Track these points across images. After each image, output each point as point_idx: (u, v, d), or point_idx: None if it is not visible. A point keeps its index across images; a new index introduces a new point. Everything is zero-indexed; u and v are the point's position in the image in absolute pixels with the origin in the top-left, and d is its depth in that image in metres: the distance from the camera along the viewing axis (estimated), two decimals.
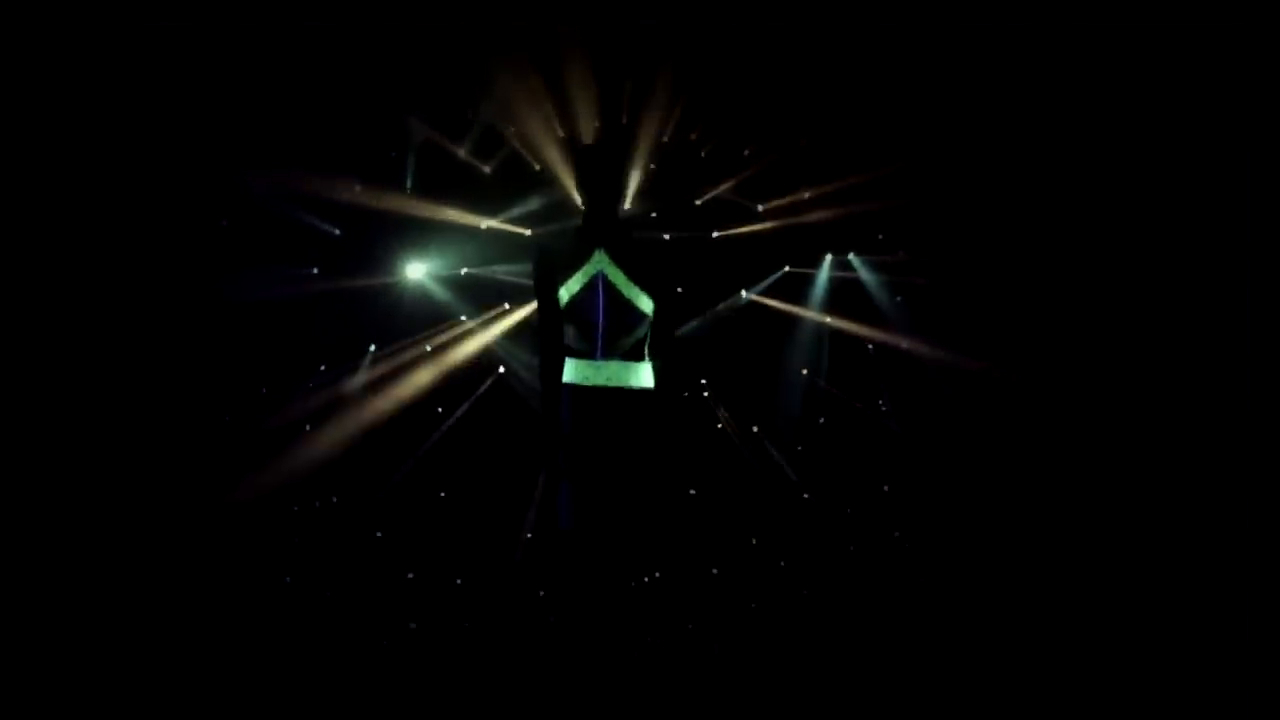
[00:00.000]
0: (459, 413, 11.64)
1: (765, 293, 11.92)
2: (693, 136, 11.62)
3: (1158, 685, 8.57)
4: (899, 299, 11.74)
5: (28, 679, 8.58)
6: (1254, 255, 9.39)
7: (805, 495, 11.81)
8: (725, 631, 10.99)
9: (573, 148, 11.00)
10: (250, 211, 11.23)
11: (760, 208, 11.73)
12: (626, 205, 11.34)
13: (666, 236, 11.16)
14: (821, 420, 11.83)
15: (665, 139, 11.57)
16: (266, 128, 11.07)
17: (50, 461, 10.48)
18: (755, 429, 11.82)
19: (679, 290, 9.33)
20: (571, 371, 6.43)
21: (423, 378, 11.56)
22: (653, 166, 11.59)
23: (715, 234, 11.76)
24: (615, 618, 9.77)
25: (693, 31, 11.03)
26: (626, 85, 11.43)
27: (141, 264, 11.00)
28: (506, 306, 11.83)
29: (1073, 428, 11.21)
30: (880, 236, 11.80)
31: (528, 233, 11.62)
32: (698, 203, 11.71)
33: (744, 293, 11.86)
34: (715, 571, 11.59)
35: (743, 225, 11.75)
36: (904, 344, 11.73)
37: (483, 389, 11.73)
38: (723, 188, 11.74)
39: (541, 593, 11.37)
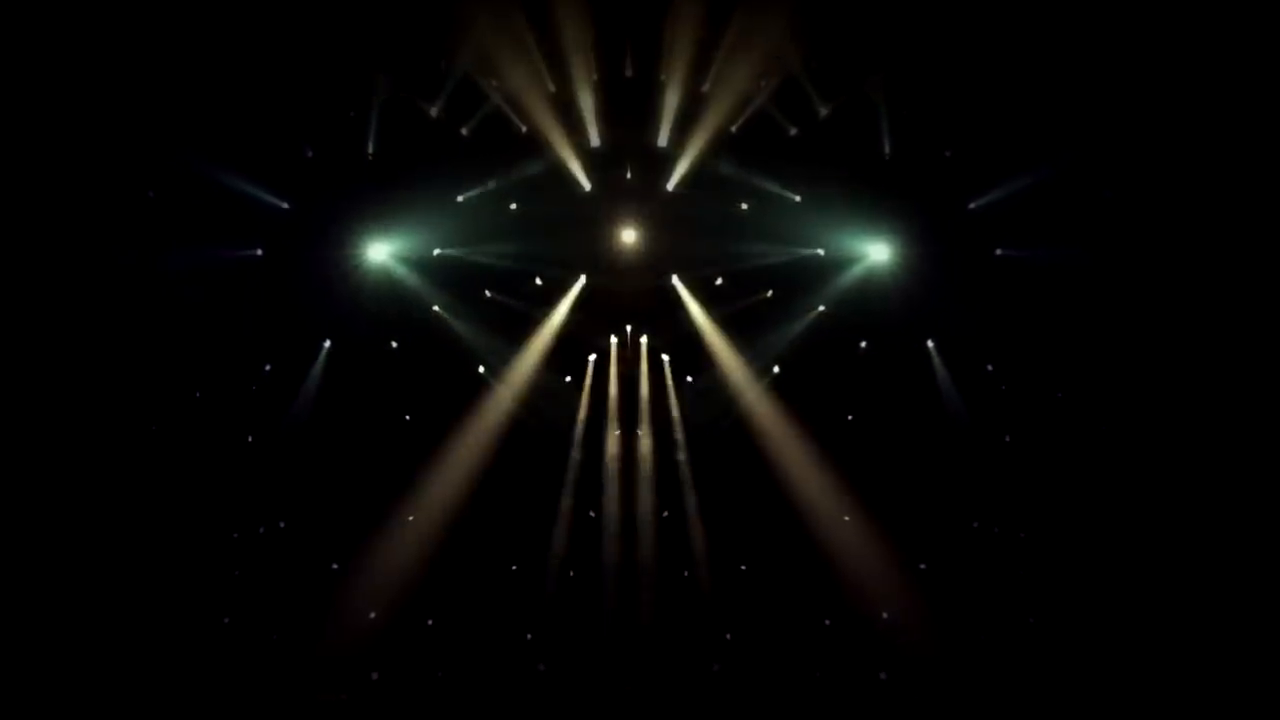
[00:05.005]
0: (432, 421, 10.46)
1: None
2: (706, 88, 10.17)
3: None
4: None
5: None
6: None
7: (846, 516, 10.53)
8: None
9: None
10: (181, 180, 9.88)
11: (797, 197, 10.43)
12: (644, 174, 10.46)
13: None
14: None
15: (680, 92, 10.16)
16: (201, 79, 9.65)
17: None
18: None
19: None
20: None
21: (388, 379, 10.46)
22: (667, 125, 10.31)
23: (744, 205, 10.49)
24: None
25: None
26: (631, 28, 10.09)
27: (47, 242, 9.47)
28: (488, 294, 10.61)
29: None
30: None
31: (513, 206, 10.38)
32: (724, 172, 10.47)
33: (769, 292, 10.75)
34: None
35: (774, 203, 10.47)
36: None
37: (460, 392, 10.54)
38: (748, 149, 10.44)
39: (529, 635, 10.24)
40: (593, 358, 10.73)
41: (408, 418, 10.50)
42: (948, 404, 10.47)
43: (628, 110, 10.31)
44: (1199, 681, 9.10)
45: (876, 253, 10.43)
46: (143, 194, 9.87)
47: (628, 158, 10.41)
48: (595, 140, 10.30)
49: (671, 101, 10.17)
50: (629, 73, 10.24)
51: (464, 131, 10.32)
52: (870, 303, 10.53)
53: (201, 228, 9.95)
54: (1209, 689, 9.03)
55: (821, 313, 10.61)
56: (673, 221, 10.46)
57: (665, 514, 10.56)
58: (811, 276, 10.56)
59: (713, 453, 10.64)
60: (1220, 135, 9.57)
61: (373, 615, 10.03)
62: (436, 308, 10.54)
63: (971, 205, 10.32)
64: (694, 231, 10.48)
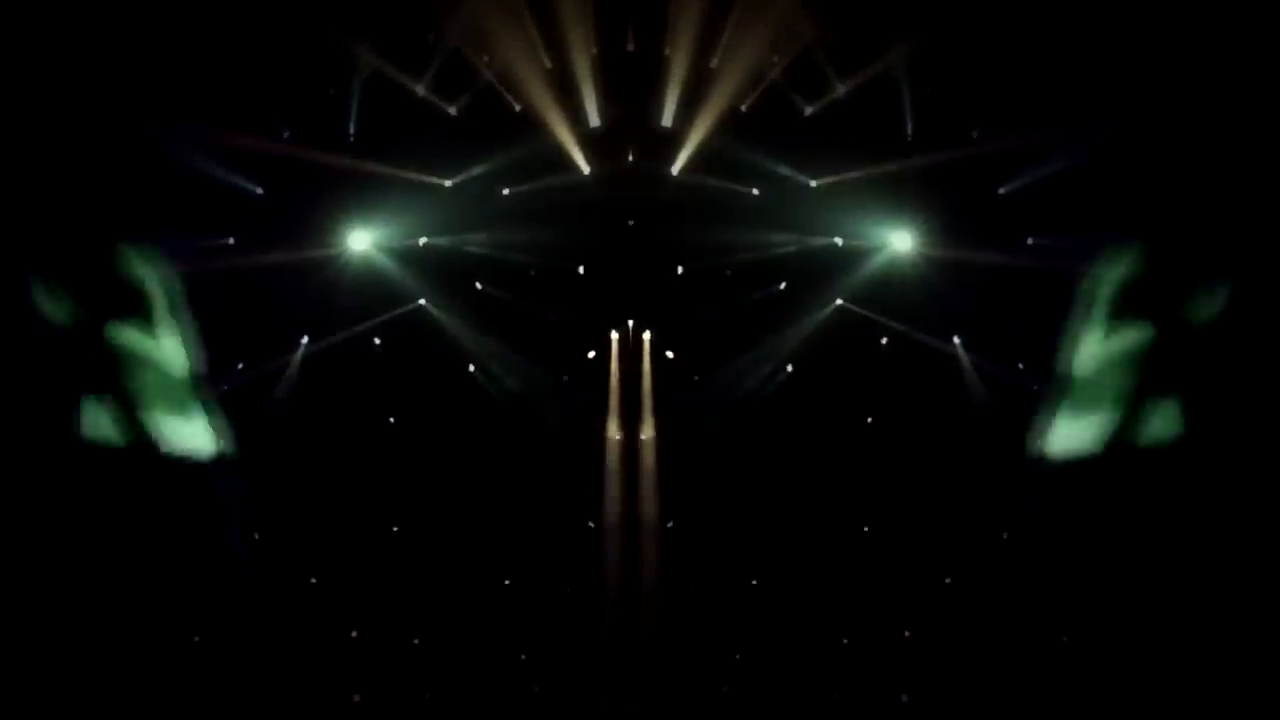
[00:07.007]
0: (418, 424, 10.30)
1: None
2: (714, 64, 9.95)
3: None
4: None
5: None
6: None
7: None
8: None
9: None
10: (149, 164, 9.53)
11: (812, 181, 10.20)
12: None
13: None
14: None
15: (685, 68, 9.96)
16: (167, 52, 9.37)
17: None
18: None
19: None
20: None
21: (370, 379, 10.26)
22: (672, 104, 10.08)
23: (754, 190, 10.24)
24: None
25: None
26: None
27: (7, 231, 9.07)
28: (478, 287, 10.40)
29: None
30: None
31: (505, 191, 10.14)
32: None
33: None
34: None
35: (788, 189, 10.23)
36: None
37: (448, 393, 10.38)
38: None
39: (523, 655, 10.01)
40: (591, 354, 10.48)
41: (392, 420, 10.29)
42: (975, 405, 10.22)
43: (630, 88, 10.13)
44: (1251, 706, 8.76)
45: (898, 241, 10.19)
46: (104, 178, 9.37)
47: (629, 139, 10.19)
48: (595, 120, 10.10)
49: (677, 78, 9.99)
50: (631, 47, 10.08)
51: (453, 111, 10.14)
52: (891, 296, 10.31)
53: (167, 214, 9.55)
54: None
55: (838, 307, 10.39)
56: (677, 208, 10.24)
57: (670, 524, 10.30)
58: (828, 267, 10.34)
59: (721, 458, 10.39)
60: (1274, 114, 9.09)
61: (354, 634, 9.85)
62: (423, 301, 10.37)
63: (1002, 190, 10.07)
64: (700, 218, 10.24)
